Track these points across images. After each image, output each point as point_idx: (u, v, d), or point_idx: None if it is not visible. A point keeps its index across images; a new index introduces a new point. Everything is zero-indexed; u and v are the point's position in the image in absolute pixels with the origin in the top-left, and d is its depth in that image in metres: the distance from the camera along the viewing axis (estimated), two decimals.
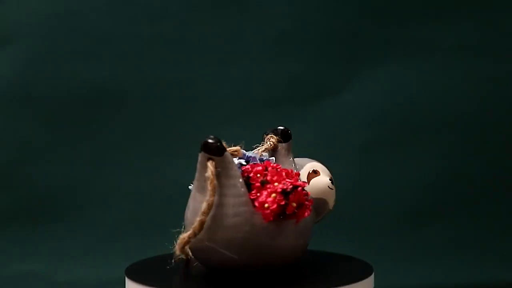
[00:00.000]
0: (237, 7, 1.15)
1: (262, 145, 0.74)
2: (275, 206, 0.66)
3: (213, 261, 0.68)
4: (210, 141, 0.66)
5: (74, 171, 1.14)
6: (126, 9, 1.14)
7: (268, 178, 0.67)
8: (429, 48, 1.15)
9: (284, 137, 0.75)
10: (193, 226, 0.65)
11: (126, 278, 0.71)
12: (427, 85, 1.16)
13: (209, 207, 0.65)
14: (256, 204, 0.66)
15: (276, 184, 0.67)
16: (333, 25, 1.15)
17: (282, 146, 0.74)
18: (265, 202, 0.66)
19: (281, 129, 0.75)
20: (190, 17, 1.15)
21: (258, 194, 0.67)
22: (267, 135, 0.75)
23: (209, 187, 0.65)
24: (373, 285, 0.71)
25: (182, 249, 0.66)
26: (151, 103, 1.15)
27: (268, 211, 0.66)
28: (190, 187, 0.70)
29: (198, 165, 0.67)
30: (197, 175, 0.67)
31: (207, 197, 0.65)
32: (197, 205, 0.67)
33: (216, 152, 0.66)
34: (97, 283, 1.05)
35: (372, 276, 0.71)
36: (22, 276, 1.07)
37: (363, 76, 1.15)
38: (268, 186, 0.67)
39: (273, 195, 0.66)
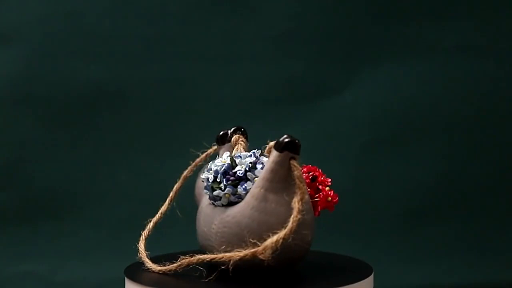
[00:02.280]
0: (237, 7, 1.15)
1: (237, 147, 0.74)
2: (337, 198, 0.69)
3: (285, 259, 0.67)
4: (292, 140, 0.66)
5: (74, 171, 1.14)
6: (126, 9, 1.14)
7: (316, 173, 0.70)
8: (429, 48, 1.15)
9: (245, 134, 0.76)
10: (289, 226, 0.63)
11: (126, 278, 0.71)
12: (427, 85, 1.16)
13: (303, 205, 0.65)
14: (319, 198, 0.69)
15: (322, 178, 0.70)
16: (333, 25, 1.15)
17: (246, 143, 0.75)
18: (328, 195, 0.69)
19: (239, 127, 0.75)
20: (190, 17, 1.15)
21: (309, 189, 0.69)
22: (231, 136, 0.75)
23: (302, 186, 0.65)
24: (372, 285, 0.72)
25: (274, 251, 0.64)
26: (151, 103, 1.15)
27: (331, 203, 0.69)
28: (217, 191, 0.70)
29: (274, 165, 0.66)
30: (269, 176, 0.66)
31: (300, 196, 0.65)
32: (271, 205, 0.66)
33: (299, 150, 0.66)
34: (97, 283, 1.05)
35: (372, 276, 0.72)
36: (22, 276, 1.07)
37: (363, 76, 1.15)
38: (318, 180, 0.69)
39: (327, 188, 0.69)
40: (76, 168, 1.14)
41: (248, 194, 0.67)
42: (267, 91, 1.16)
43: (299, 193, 0.65)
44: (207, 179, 0.69)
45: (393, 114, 1.15)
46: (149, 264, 0.72)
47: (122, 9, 1.14)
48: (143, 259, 0.73)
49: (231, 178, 0.68)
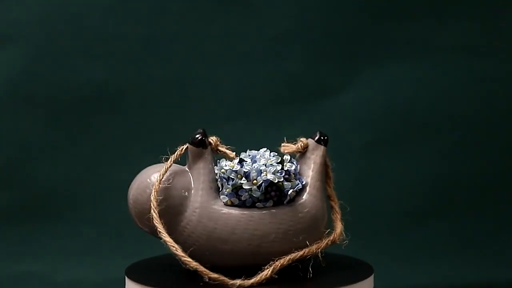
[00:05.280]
0: (237, 7, 1.15)
1: (225, 149, 0.74)
2: None
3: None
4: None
5: (74, 171, 1.14)
6: (127, 9, 1.14)
7: None
8: (429, 48, 1.15)
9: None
10: (338, 210, 0.74)
11: (126, 278, 0.71)
12: (427, 85, 1.16)
13: None
14: None
15: None
16: (333, 25, 1.15)
17: None
18: None
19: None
20: (190, 17, 1.15)
21: None
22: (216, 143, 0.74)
23: (332, 175, 0.75)
24: (372, 285, 0.72)
25: None
26: (151, 103, 1.15)
27: None
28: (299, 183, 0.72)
29: (323, 159, 0.74)
30: (321, 169, 0.73)
31: (332, 184, 0.75)
32: (323, 195, 0.73)
33: None
34: (97, 283, 1.05)
35: (372, 276, 0.71)
36: (22, 276, 1.07)
37: (363, 76, 1.15)
38: None
39: None
40: (76, 168, 1.14)
41: (311, 188, 0.72)
42: (267, 91, 1.16)
43: (331, 181, 0.75)
44: (266, 180, 0.69)
45: (393, 114, 1.15)
46: (231, 281, 0.67)
47: (122, 9, 1.14)
48: (220, 279, 0.67)
49: (285, 176, 0.70)
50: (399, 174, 1.15)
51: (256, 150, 0.73)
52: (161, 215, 0.69)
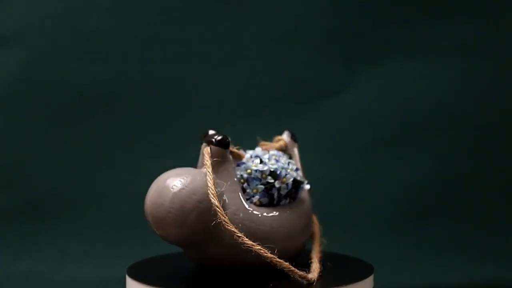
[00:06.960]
0: (237, 7, 1.15)
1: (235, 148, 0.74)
2: None
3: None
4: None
5: (74, 171, 1.14)
6: (127, 9, 1.14)
7: None
8: (429, 48, 1.15)
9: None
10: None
11: (128, 278, 0.71)
12: (427, 85, 1.16)
13: None
14: None
15: None
16: (333, 25, 1.15)
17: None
18: None
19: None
20: (190, 17, 1.15)
21: None
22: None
23: None
24: (372, 285, 0.72)
25: None
26: (151, 103, 1.15)
27: None
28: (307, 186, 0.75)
29: (299, 155, 0.77)
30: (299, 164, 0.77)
31: None
32: None
33: None
34: (97, 283, 1.05)
35: (372, 276, 0.72)
36: (22, 276, 1.07)
37: (364, 76, 1.15)
38: None
39: None
40: (76, 168, 1.14)
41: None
42: (267, 91, 1.16)
43: None
44: (292, 179, 0.70)
45: (394, 115, 1.15)
46: (309, 276, 0.67)
47: (123, 9, 1.14)
48: (304, 275, 0.67)
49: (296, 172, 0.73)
50: (399, 174, 1.15)
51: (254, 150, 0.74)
52: (200, 221, 0.65)
